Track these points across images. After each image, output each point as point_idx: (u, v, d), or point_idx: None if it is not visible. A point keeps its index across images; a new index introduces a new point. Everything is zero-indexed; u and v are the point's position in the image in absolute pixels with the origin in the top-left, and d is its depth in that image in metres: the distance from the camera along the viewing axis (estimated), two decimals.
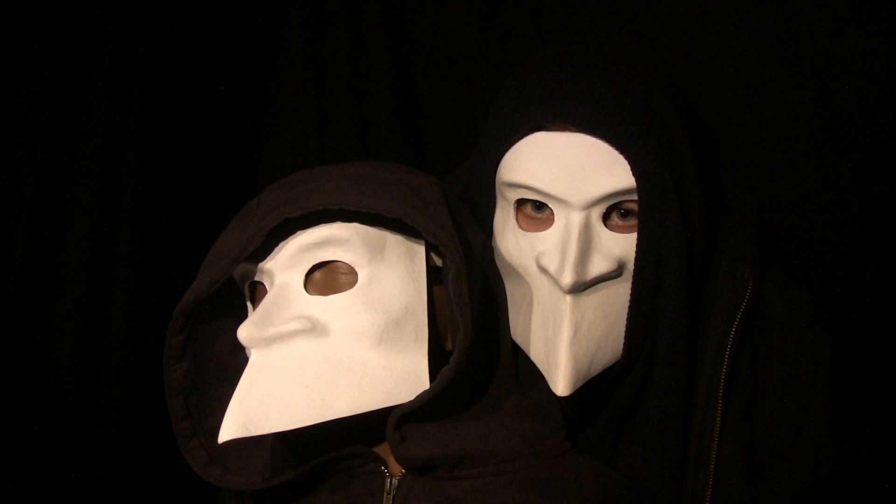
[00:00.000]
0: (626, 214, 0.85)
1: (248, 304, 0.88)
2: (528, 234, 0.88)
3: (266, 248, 0.82)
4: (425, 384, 0.81)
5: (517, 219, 0.89)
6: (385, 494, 0.84)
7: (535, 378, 0.88)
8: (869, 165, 1.06)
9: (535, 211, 0.87)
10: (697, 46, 1.15)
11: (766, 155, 1.12)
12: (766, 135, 1.12)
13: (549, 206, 0.85)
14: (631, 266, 0.84)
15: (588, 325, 0.84)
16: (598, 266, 0.83)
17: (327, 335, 0.80)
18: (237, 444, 0.84)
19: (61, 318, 1.22)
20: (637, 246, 0.83)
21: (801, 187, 1.10)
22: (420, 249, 0.86)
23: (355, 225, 0.82)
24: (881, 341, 1.05)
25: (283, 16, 1.54)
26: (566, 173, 0.82)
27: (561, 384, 0.82)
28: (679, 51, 1.15)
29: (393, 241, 0.84)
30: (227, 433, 0.76)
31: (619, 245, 0.84)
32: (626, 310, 0.85)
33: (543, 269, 0.85)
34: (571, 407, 0.90)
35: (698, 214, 0.86)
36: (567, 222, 0.84)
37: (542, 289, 0.87)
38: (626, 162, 0.81)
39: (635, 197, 0.82)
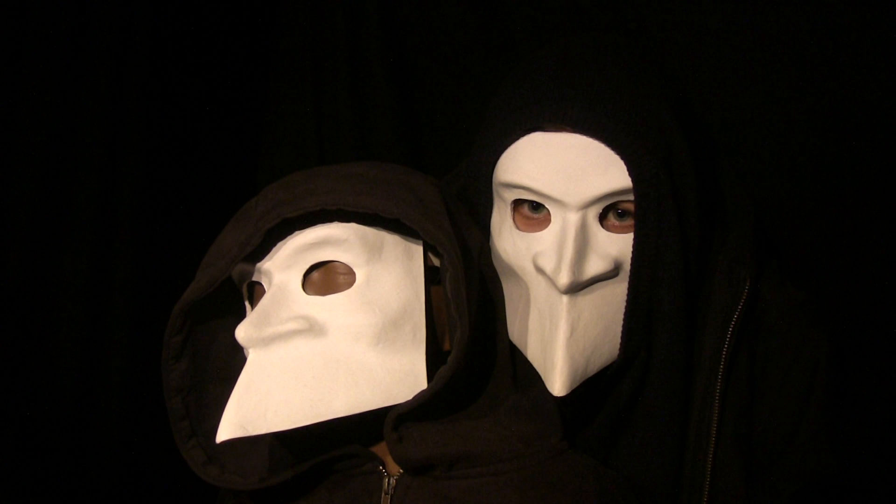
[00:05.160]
0: (622, 215, 0.85)
1: (247, 303, 0.88)
2: (525, 234, 0.88)
3: (264, 248, 0.82)
4: (423, 384, 0.81)
5: (514, 219, 0.89)
6: (383, 494, 0.84)
7: (532, 378, 0.88)
8: (868, 165, 1.06)
9: (532, 211, 0.88)
10: (696, 46, 1.14)
11: (763, 155, 1.11)
12: (763, 135, 1.11)
13: (546, 206, 0.85)
14: (627, 266, 0.84)
15: (584, 326, 0.84)
16: (594, 266, 0.83)
17: (325, 335, 0.81)
18: (235, 444, 0.84)
19: (61, 318, 1.22)
20: (633, 246, 0.83)
21: (799, 187, 1.10)
22: (418, 249, 0.87)
23: (353, 225, 0.83)
24: (878, 341, 1.05)
25: (281, 16, 1.54)
26: (563, 174, 0.83)
27: (557, 384, 0.82)
28: (677, 51, 1.15)
29: (391, 241, 0.85)
30: (224, 433, 0.76)
31: (616, 245, 0.84)
32: (622, 310, 0.85)
33: (540, 270, 0.85)
34: (568, 407, 0.90)
35: (695, 214, 0.86)
36: (564, 223, 0.84)
37: (538, 289, 0.87)
38: (622, 162, 0.81)
39: (632, 197, 0.82)
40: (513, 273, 0.90)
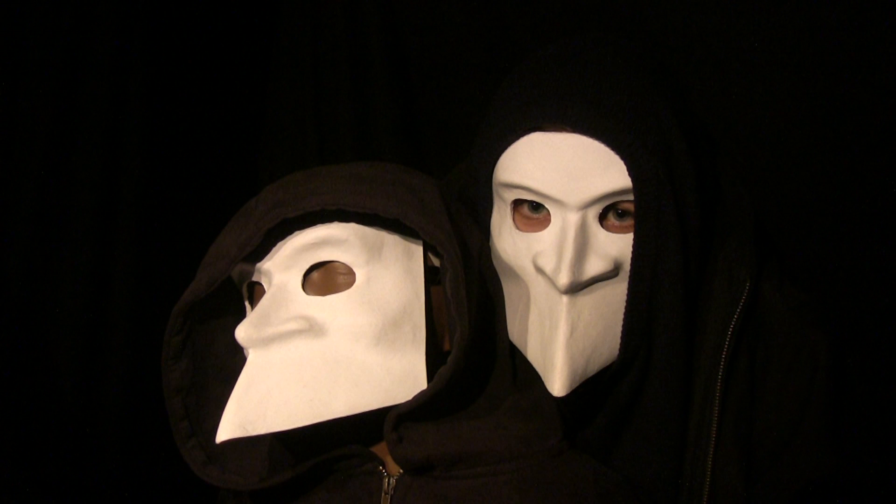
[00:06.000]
0: (622, 215, 0.85)
1: (247, 304, 0.88)
2: (525, 234, 0.88)
3: (264, 248, 0.82)
4: (423, 384, 0.81)
5: (514, 219, 0.89)
6: (383, 494, 0.84)
7: (532, 378, 0.88)
8: (869, 165, 1.06)
9: (532, 211, 0.88)
10: (696, 46, 1.15)
11: (763, 155, 1.11)
12: (763, 135, 1.11)
13: (546, 206, 0.85)
14: (627, 266, 0.84)
15: (584, 326, 0.84)
16: (594, 266, 0.83)
17: (325, 335, 0.81)
18: (235, 444, 0.84)
19: (61, 318, 1.22)
20: (633, 246, 0.83)
21: (800, 187, 1.10)
22: (418, 249, 0.87)
23: (353, 225, 0.83)
24: (878, 341, 1.05)
25: (281, 15, 1.54)
26: (563, 174, 0.83)
27: (557, 384, 0.82)
28: (678, 51, 1.15)
29: (391, 241, 0.85)
30: (224, 433, 0.76)
31: (616, 245, 0.84)
32: (622, 310, 0.85)
33: (540, 270, 0.85)
34: (568, 407, 0.90)
35: (695, 214, 0.86)
36: (563, 223, 0.84)
37: (538, 289, 0.87)
38: (622, 162, 0.81)
39: (632, 197, 0.82)
40: (513, 273, 0.90)
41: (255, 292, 0.87)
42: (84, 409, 1.22)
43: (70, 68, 1.22)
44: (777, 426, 0.91)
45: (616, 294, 0.85)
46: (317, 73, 1.48)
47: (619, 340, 0.86)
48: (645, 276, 0.84)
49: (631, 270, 0.84)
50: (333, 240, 0.82)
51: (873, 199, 1.06)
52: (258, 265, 0.83)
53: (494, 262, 0.92)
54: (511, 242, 0.89)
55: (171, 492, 1.23)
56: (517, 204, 0.89)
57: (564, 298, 0.83)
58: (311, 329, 0.80)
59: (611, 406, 0.92)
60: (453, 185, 1.04)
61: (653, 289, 0.85)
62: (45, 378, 1.20)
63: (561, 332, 0.83)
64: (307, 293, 0.82)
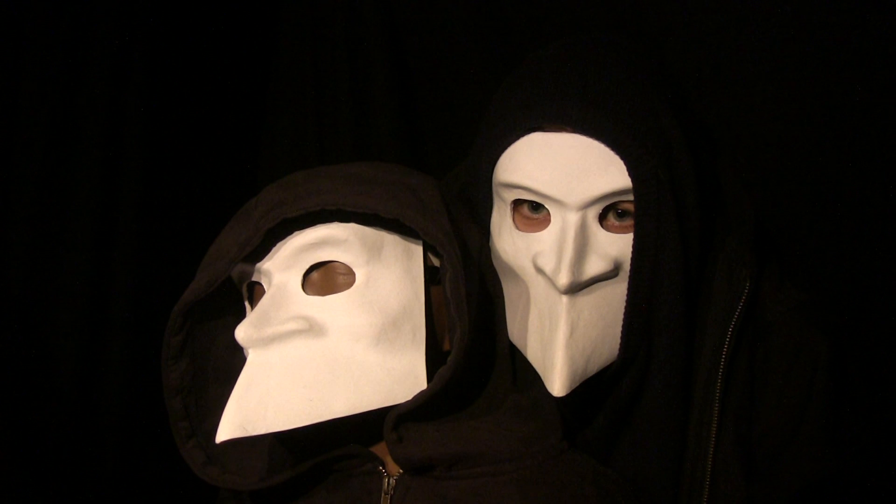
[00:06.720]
0: (622, 215, 0.85)
1: (247, 304, 0.88)
2: (525, 234, 0.88)
3: (264, 248, 0.83)
4: (423, 384, 0.81)
5: (514, 219, 0.89)
6: (383, 494, 0.84)
7: (532, 378, 0.88)
8: (869, 165, 1.06)
9: (532, 211, 0.88)
10: (696, 46, 1.15)
11: (763, 155, 1.11)
12: (764, 135, 1.11)
13: (546, 206, 0.85)
14: (627, 266, 0.84)
15: (584, 326, 0.84)
16: (594, 266, 0.83)
17: (325, 335, 0.81)
18: (235, 444, 0.84)
19: (61, 318, 1.22)
20: (633, 246, 0.83)
21: (800, 187, 1.10)
22: (417, 250, 0.87)
23: (353, 225, 0.83)
24: (878, 341, 1.05)
25: (282, 16, 1.54)
26: (562, 174, 0.83)
27: (557, 384, 0.82)
28: (678, 51, 1.15)
29: (391, 241, 0.85)
30: (224, 433, 0.76)
31: (616, 245, 0.84)
32: (622, 310, 0.85)
33: (540, 270, 0.85)
34: (568, 407, 0.90)
35: (695, 214, 0.86)
36: (563, 223, 0.84)
37: (538, 289, 0.87)
38: (622, 162, 0.81)
39: (632, 197, 0.82)
40: (512, 273, 0.90)
41: (255, 292, 0.87)
42: (84, 409, 1.22)
43: (70, 68, 1.22)
44: (777, 426, 0.91)
45: (616, 294, 0.85)
46: (317, 73, 1.48)
47: (619, 340, 0.86)
48: (645, 276, 0.84)
49: (631, 270, 0.84)
50: (333, 240, 0.82)
51: (873, 199, 1.06)
52: (258, 265, 0.83)
53: (494, 262, 0.92)
54: (511, 242, 0.89)
55: (171, 492, 1.23)
56: (517, 204, 0.89)
57: (564, 298, 0.83)
58: (311, 329, 0.80)
59: (611, 406, 0.92)
60: (453, 185, 1.04)
61: (653, 289, 0.85)
62: (45, 378, 1.20)
63: (561, 332, 0.83)
64: (307, 293, 0.82)
